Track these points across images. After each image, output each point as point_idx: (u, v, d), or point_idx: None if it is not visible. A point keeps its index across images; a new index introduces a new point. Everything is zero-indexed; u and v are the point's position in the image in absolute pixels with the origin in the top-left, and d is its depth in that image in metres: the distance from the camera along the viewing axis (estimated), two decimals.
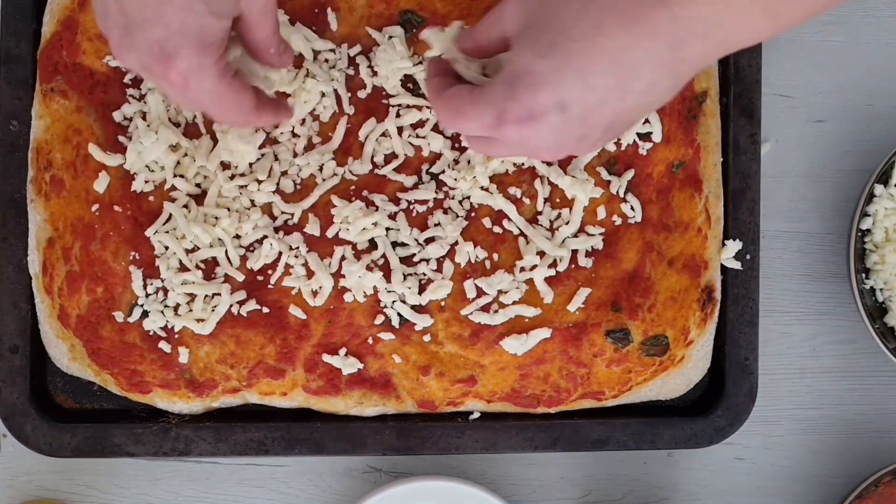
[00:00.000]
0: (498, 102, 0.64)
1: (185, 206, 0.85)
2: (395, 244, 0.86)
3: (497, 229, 0.86)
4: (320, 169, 0.86)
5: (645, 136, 0.87)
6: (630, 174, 0.86)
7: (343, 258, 0.86)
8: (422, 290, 0.86)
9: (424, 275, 0.86)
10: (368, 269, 0.86)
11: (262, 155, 0.86)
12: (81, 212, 0.85)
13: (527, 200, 0.86)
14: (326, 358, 0.86)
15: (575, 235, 0.86)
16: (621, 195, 0.86)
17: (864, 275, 0.92)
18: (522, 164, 0.86)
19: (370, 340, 0.86)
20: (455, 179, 0.86)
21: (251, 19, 0.70)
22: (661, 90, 0.63)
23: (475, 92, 0.66)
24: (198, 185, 0.86)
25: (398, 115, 0.86)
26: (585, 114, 0.63)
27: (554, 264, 0.86)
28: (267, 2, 0.70)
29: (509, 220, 0.86)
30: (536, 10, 0.64)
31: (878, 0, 0.95)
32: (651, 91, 0.63)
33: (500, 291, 0.86)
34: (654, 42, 0.60)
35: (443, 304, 0.86)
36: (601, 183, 0.86)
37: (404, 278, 0.86)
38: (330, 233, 0.86)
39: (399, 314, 0.86)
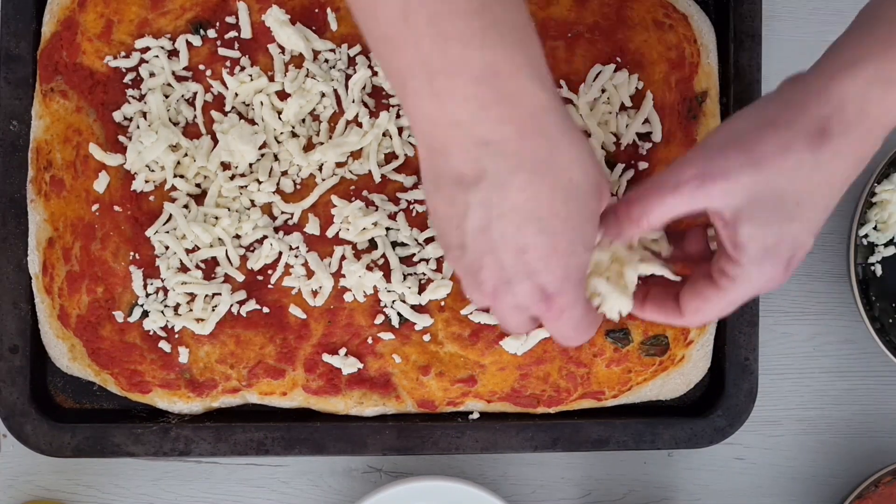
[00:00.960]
0: (758, 279, 0.67)
1: (185, 206, 0.85)
2: (394, 244, 0.86)
3: None
4: (320, 169, 0.86)
5: (645, 136, 0.87)
6: (630, 174, 0.86)
7: (343, 258, 0.86)
8: (422, 289, 0.86)
9: (424, 275, 0.86)
10: (368, 268, 0.86)
11: (262, 155, 0.86)
12: (81, 212, 0.85)
13: None
14: (326, 358, 0.86)
15: None
16: (620, 195, 0.86)
17: (864, 274, 0.92)
18: None
19: (370, 340, 0.86)
20: None
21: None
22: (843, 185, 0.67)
23: (721, 283, 0.68)
24: (198, 185, 0.86)
25: (398, 116, 0.86)
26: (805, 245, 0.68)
27: None
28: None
29: None
30: (763, 186, 0.65)
31: None
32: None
33: None
34: (845, 159, 0.65)
35: (443, 303, 0.86)
36: None
37: (404, 278, 0.86)
38: (330, 233, 0.86)
39: (399, 314, 0.86)
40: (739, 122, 0.68)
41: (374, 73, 0.86)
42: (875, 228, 0.92)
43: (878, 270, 0.92)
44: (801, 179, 0.65)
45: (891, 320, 0.92)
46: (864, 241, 0.92)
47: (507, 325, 0.70)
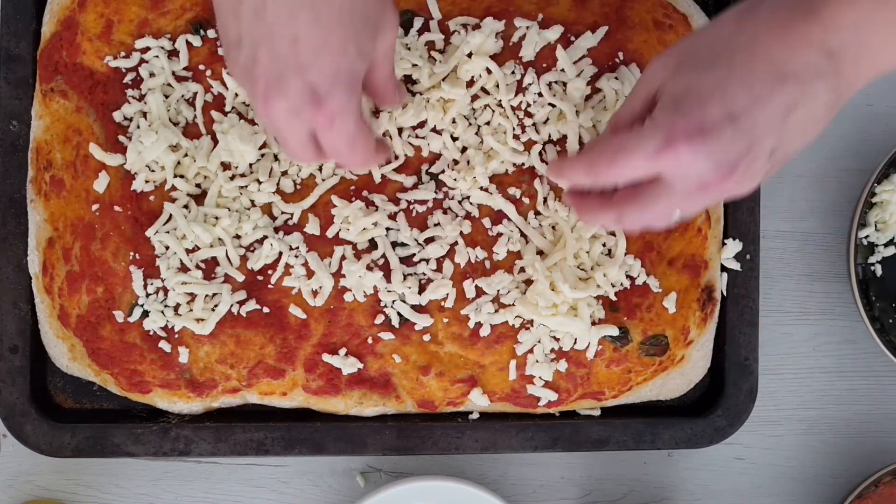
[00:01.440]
0: (663, 121, 0.64)
1: (186, 207, 0.85)
2: (394, 244, 0.86)
3: (498, 229, 0.86)
4: (320, 169, 0.86)
5: None
6: None
7: (343, 258, 0.86)
8: (421, 289, 0.86)
9: (424, 274, 0.86)
10: (368, 268, 0.86)
11: (262, 155, 0.86)
12: (81, 212, 0.85)
13: (526, 200, 0.86)
14: (326, 358, 0.86)
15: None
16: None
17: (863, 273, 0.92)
18: (523, 164, 0.86)
19: (370, 340, 0.86)
20: (455, 179, 0.86)
21: (378, 60, 0.71)
22: (820, 107, 0.64)
23: (633, 127, 0.66)
24: (198, 186, 0.86)
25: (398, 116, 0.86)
26: (754, 128, 0.63)
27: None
28: (393, 43, 0.71)
29: (509, 219, 0.86)
30: (688, 46, 0.66)
31: None
32: (812, 107, 0.63)
33: (499, 291, 0.86)
34: (809, 51, 0.62)
35: (443, 303, 0.86)
36: None
37: (404, 278, 0.86)
38: (330, 233, 0.86)
39: (399, 314, 0.86)
40: None
41: None
42: (875, 229, 0.92)
43: (879, 270, 0.92)
44: (721, 38, 0.65)
45: (891, 320, 0.92)
46: (865, 242, 0.92)
47: (287, 143, 0.69)
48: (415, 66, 0.85)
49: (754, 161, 0.64)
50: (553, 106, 0.86)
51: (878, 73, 0.64)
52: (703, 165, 0.63)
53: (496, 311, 0.86)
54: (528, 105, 0.86)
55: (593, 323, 0.85)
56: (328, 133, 0.68)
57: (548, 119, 0.86)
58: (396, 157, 0.86)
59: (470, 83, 0.86)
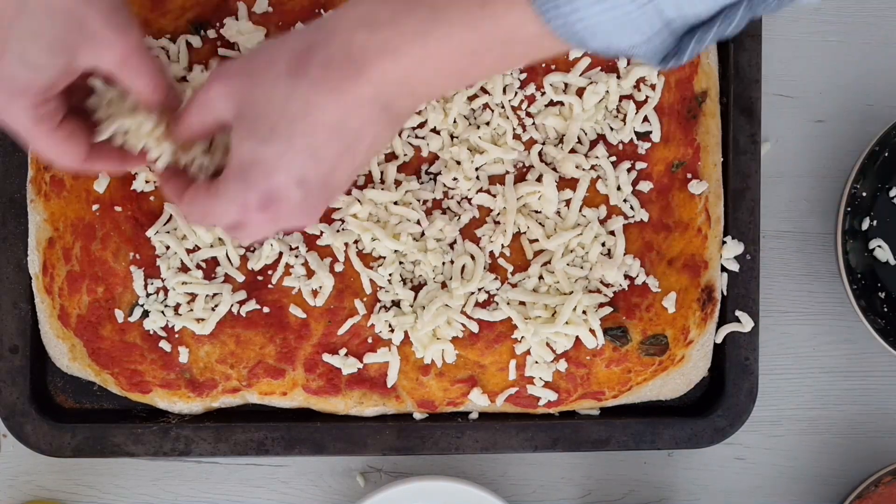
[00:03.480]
0: (237, 196, 0.67)
1: None
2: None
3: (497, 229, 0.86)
4: None
5: (644, 136, 0.87)
6: (626, 165, 0.86)
7: (346, 258, 0.86)
8: (420, 289, 0.86)
9: (422, 276, 0.86)
10: (369, 268, 0.86)
11: None
12: (82, 212, 0.85)
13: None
14: (326, 358, 0.86)
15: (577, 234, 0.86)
16: (625, 190, 0.86)
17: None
18: (523, 163, 0.86)
19: (370, 340, 0.86)
20: (454, 179, 0.86)
21: (112, 74, 0.69)
22: (383, 140, 0.67)
23: (212, 190, 0.68)
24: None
25: None
26: (324, 180, 0.66)
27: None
28: (122, 62, 0.68)
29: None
30: (245, 96, 0.66)
31: (879, 0, 0.95)
32: (375, 144, 0.66)
33: (498, 291, 0.86)
34: (364, 108, 0.63)
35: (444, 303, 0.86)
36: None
37: (403, 280, 0.86)
38: (329, 232, 0.86)
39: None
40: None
41: None
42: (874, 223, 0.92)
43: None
44: (276, 101, 0.64)
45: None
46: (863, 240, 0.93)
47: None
48: None
49: (331, 197, 0.69)
50: (553, 104, 0.86)
51: (429, 100, 0.68)
52: (281, 222, 0.69)
53: (496, 309, 0.86)
54: (528, 105, 0.86)
55: (591, 330, 0.86)
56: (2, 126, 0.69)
57: (547, 119, 0.86)
58: (396, 157, 0.86)
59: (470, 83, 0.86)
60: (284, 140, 0.64)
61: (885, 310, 0.93)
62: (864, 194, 0.92)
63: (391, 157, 0.86)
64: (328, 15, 0.67)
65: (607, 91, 0.86)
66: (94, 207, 0.85)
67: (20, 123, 0.68)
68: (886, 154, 0.91)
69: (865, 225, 0.93)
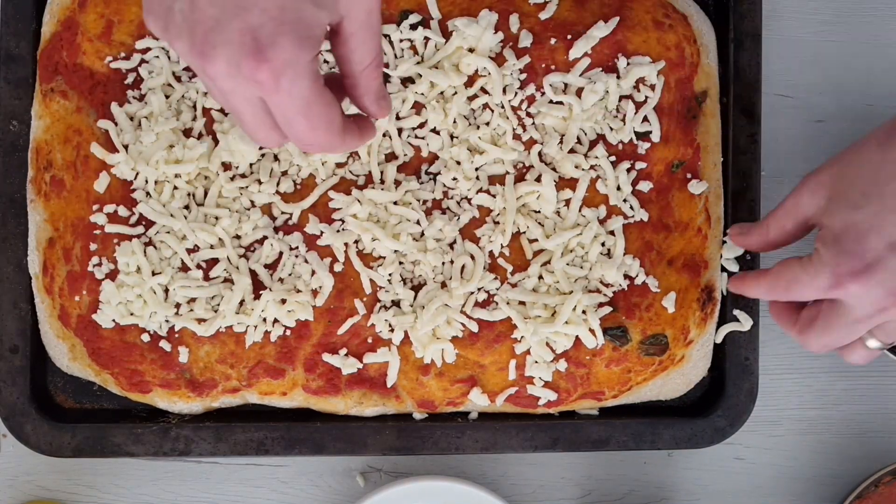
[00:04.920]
0: (830, 261, 0.69)
1: (186, 207, 0.85)
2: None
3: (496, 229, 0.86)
4: (320, 167, 0.86)
5: (643, 136, 0.87)
6: (626, 165, 0.86)
7: (346, 258, 0.86)
8: (420, 289, 0.86)
9: (422, 276, 0.86)
10: (369, 267, 0.86)
11: (263, 155, 0.86)
12: (82, 212, 0.85)
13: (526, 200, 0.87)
14: (326, 357, 0.86)
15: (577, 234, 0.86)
16: (625, 190, 0.86)
17: None
18: (522, 163, 0.86)
19: (370, 340, 0.86)
20: (454, 179, 0.86)
21: (350, 33, 0.63)
22: None
23: (804, 260, 0.72)
24: (198, 186, 0.86)
25: (398, 117, 0.86)
26: None
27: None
28: (370, 13, 0.62)
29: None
30: (837, 178, 0.71)
31: (879, 0, 0.95)
32: None
33: (497, 290, 0.86)
34: None
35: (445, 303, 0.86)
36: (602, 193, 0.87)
37: (403, 278, 0.86)
38: (330, 232, 0.86)
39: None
40: None
41: None
42: None
43: None
44: (867, 169, 0.69)
45: None
46: None
47: (239, 116, 0.62)
48: (418, 63, 0.85)
49: None
50: (553, 104, 0.86)
51: None
52: (875, 293, 0.69)
53: (495, 309, 0.86)
54: (528, 105, 0.86)
55: (591, 330, 0.86)
56: (274, 96, 0.60)
57: (547, 119, 0.86)
58: (396, 157, 0.86)
59: (470, 83, 0.86)
60: (876, 201, 0.68)
61: None
62: None
63: (391, 157, 0.86)
64: None
65: (607, 91, 0.86)
66: (95, 207, 0.85)
67: (302, 83, 0.60)
68: None
69: None
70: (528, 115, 0.86)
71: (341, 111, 0.65)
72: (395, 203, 0.85)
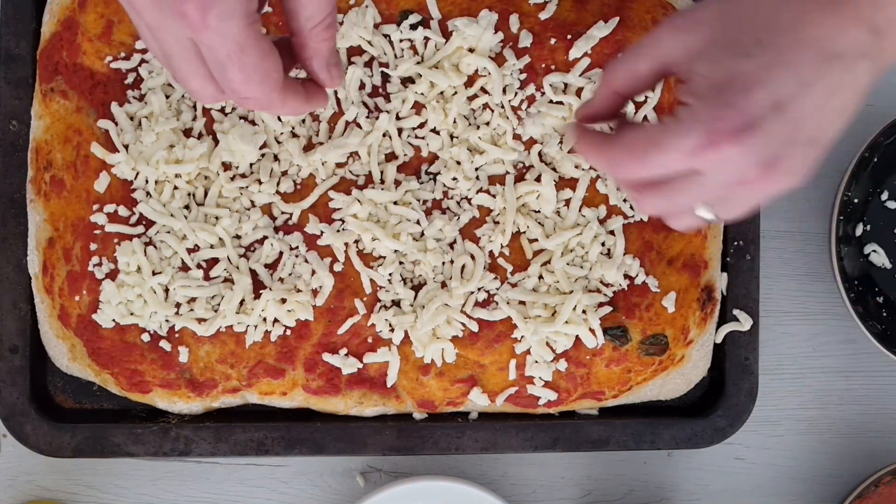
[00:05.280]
0: (705, 116, 0.58)
1: (186, 207, 0.85)
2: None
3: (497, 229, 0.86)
4: (320, 167, 0.86)
5: None
6: None
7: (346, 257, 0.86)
8: (420, 288, 0.86)
9: (422, 276, 0.86)
10: (369, 268, 0.86)
11: (263, 155, 0.86)
12: (82, 212, 0.85)
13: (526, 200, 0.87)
14: (326, 357, 0.86)
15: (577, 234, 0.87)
16: (625, 190, 0.86)
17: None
18: (522, 163, 0.86)
19: (370, 340, 0.86)
20: (454, 179, 0.86)
21: None
22: (860, 87, 0.59)
23: (665, 119, 0.60)
24: (198, 186, 0.86)
25: (398, 117, 0.86)
26: (798, 116, 0.58)
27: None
28: None
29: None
30: (723, 17, 0.59)
31: None
32: (853, 87, 0.59)
33: (497, 290, 0.86)
34: (856, 27, 0.58)
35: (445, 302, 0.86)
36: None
37: (403, 278, 0.86)
38: (330, 232, 0.86)
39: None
40: None
41: (373, 74, 0.86)
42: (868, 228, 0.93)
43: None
44: (762, 16, 0.58)
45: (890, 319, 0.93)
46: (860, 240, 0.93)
47: (171, 62, 0.59)
48: (418, 63, 0.85)
49: (794, 152, 0.59)
50: (553, 103, 0.86)
51: None
52: (746, 159, 0.58)
53: (495, 309, 0.86)
54: (528, 105, 0.86)
55: (591, 329, 0.86)
56: (203, 33, 0.56)
57: (547, 119, 0.86)
58: (396, 157, 0.86)
59: (470, 83, 0.86)
60: (769, 51, 0.57)
61: (884, 314, 0.93)
62: (857, 200, 0.92)
63: (391, 157, 0.86)
64: None
65: None
66: (95, 207, 0.85)
67: (232, 23, 0.56)
68: (876, 159, 0.91)
69: (859, 231, 0.93)
70: (529, 114, 0.86)
71: (280, 66, 0.60)
72: (395, 203, 0.85)
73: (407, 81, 0.86)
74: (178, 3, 0.55)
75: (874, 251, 0.93)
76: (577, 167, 0.86)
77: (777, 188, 0.61)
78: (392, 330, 0.86)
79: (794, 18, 0.58)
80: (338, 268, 0.86)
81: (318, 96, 0.65)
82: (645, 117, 0.86)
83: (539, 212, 0.86)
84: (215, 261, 0.85)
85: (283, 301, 0.85)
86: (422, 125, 0.86)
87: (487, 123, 0.86)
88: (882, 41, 0.58)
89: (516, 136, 0.86)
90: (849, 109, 0.60)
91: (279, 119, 0.85)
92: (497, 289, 0.86)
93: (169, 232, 0.85)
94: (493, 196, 0.86)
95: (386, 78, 0.86)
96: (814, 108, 0.58)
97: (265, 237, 0.85)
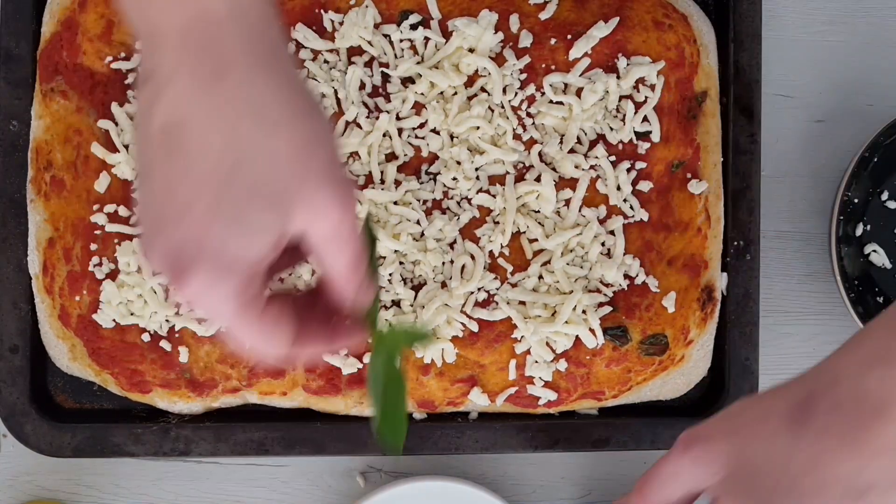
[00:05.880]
0: None
1: None
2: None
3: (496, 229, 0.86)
4: None
5: (643, 136, 0.87)
6: (626, 164, 0.86)
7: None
8: (421, 289, 0.86)
9: (421, 276, 0.86)
10: None
11: None
12: (82, 212, 0.85)
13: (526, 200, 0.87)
14: (326, 357, 0.86)
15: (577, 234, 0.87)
16: (625, 190, 0.86)
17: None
18: (522, 163, 0.86)
19: (370, 340, 0.86)
20: (454, 179, 0.86)
21: (315, 245, 0.56)
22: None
23: None
24: None
25: (398, 118, 0.86)
26: None
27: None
28: (337, 228, 0.55)
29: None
30: (737, 456, 0.60)
31: (879, 0, 0.95)
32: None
33: (497, 290, 0.86)
34: (884, 457, 0.56)
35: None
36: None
37: (403, 278, 0.86)
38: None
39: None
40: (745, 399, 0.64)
41: (373, 74, 0.86)
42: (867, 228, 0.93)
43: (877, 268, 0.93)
44: (776, 458, 0.58)
45: None
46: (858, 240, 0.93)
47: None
48: (418, 63, 0.85)
49: None
50: (553, 104, 0.86)
51: None
52: None
53: (496, 309, 0.86)
54: (528, 105, 0.86)
55: (591, 329, 0.86)
56: (202, 312, 0.56)
57: (547, 119, 0.86)
58: (396, 157, 0.86)
59: (470, 83, 0.86)
60: (790, 497, 0.57)
61: None
62: (857, 200, 0.92)
63: (391, 157, 0.86)
64: (827, 359, 0.59)
65: (607, 91, 0.86)
66: (95, 207, 0.85)
67: (223, 308, 0.55)
68: (876, 159, 0.91)
69: (859, 230, 0.93)
70: (528, 115, 0.86)
71: (290, 329, 0.58)
72: (395, 203, 0.85)
73: (407, 81, 0.86)
74: (177, 288, 0.54)
75: (874, 251, 0.93)
76: (576, 167, 0.86)
77: None
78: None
79: (810, 459, 0.57)
80: None
81: (354, 332, 0.61)
82: (645, 117, 0.86)
83: (539, 212, 0.86)
84: None
85: None
86: (422, 125, 0.86)
87: (489, 122, 0.86)
88: None
89: (516, 136, 0.86)
90: None
91: None
92: (497, 289, 0.86)
93: None
94: (493, 196, 0.86)
95: (386, 78, 0.86)
96: None
97: None
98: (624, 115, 0.87)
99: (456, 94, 0.86)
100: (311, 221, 0.54)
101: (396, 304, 0.86)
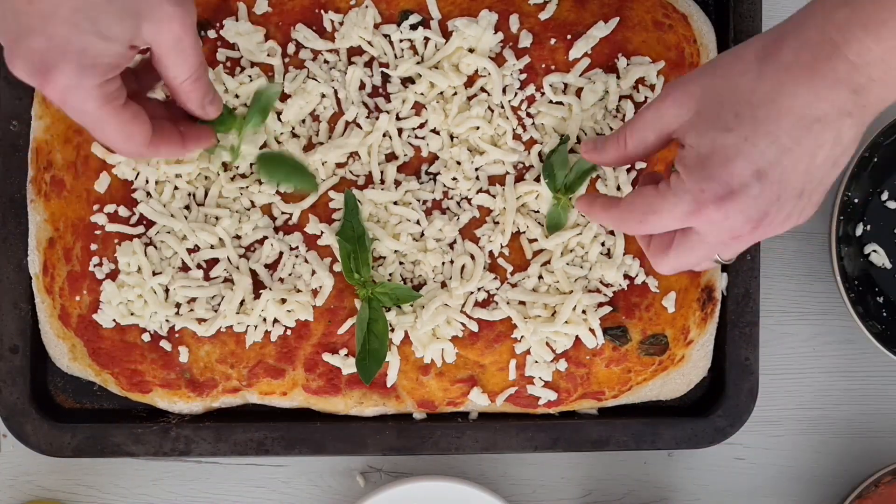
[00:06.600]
0: (692, 187, 0.64)
1: (186, 207, 0.85)
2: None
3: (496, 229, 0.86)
4: (321, 167, 0.86)
5: None
6: (631, 175, 0.86)
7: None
8: (421, 289, 0.86)
9: (422, 276, 0.86)
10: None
11: None
12: (82, 212, 0.85)
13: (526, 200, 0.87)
14: (326, 357, 0.86)
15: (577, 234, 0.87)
16: (625, 190, 0.86)
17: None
18: (522, 163, 0.86)
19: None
20: (454, 179, 0.86)
21: (160, 55, 0.68)
22: (847, 140, 0.63)
23: (661, 186, 0.66)
24: (199, 186, 0.86)
25: (398, 118, 0.86)
26: (782, 177, 0.63)
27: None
28: (178, 40, 0.68)
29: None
30: (707, 91, 0.65)
31: None
32: (838, 142, 0.63)
33: (497, 290, 0.86)
34: (835, 91, 0.61)
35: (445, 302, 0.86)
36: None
37: (403, 278, 0.86)
38: (329, 232, 0.86)
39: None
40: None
41: (373, 74, 0.86)
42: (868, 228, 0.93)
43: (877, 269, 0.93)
44: (742, 88, 0.63)
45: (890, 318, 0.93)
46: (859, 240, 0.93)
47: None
48: (418, 63, 0.85)
49: (783, 206, 0.65)
50: (553, 104, 0.86)
51: None
52: (734, 220, 0.64)
53: (495, 309, 0.86)
54: (528, 105, 0.86)
55: (591, 329, 0.86)
56: (66, 110, 0.67)
57: (546, 119, 0.86)
58: (396, 157, 0.86)
59: (470, 83, 0.86)
60: (748, 125, 0.62)
61: (884, 314, 0.93)
62: (857, 200, 0.92)
63: (391, 157, 0.86)
64: (800, 9, 0.63)
65: (607, 91, 0.86)
66: (95, 207, 0.85)
67: (87, 104, 0.66)
68: (876, 159, 0.91)
69: (859, 231, 0.93)
70: (528, 115, 0.86)
71: (146, 127, 0.70)
72: (395, 203, 0.85)
73: (407, 81, 0.86)
74: (42, 88, 0.65)
75: (874, 251, 0.93)
76: None
77: (772, 234, 0.67)
78: (392, 330, 0.86)
79: (771, 90, 0.62)
80: (338, 268, 0.86)
81: (203, 138, 0.77)
82: None
83: (539, 212, 0.86)
84: (215, 261, 0.85)
85: (283, 301, 0.85)
86: (422, 125, 0.86)
87: (489, 122, 0.86)
88: (863, 98, 0.61)
89: (516, 137, 0.86)
90: (839, 161, 0.64)
91: (279, 119, 0.85)
92: (497, 289, 0.86)
93: (169, 232, 0.85)
94: (493, 196, 0.86)
95: (386, 78, 0.86)
96: (797, 169, 0.63)
97: (265, 237, 0.85)
98: (624, 115, 0.87)
99: (456, 94, 0.86)
100: (158, 31, 0.66)
101: (397, 304, 0.86)
